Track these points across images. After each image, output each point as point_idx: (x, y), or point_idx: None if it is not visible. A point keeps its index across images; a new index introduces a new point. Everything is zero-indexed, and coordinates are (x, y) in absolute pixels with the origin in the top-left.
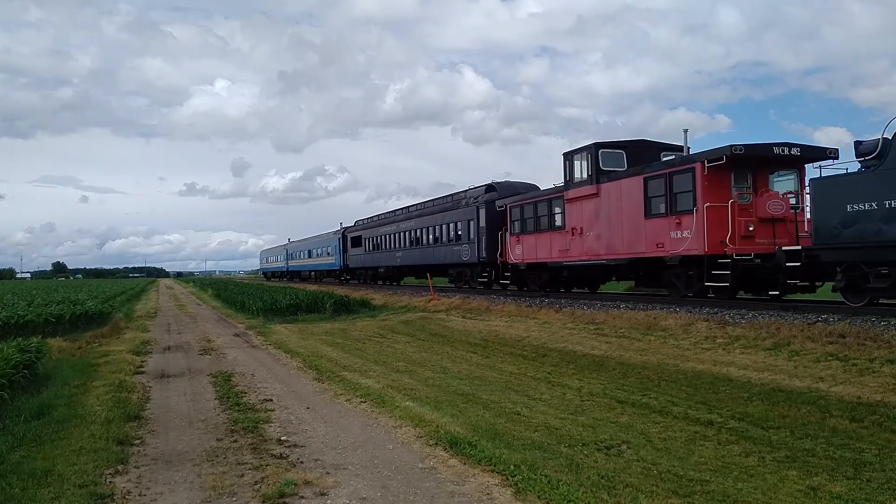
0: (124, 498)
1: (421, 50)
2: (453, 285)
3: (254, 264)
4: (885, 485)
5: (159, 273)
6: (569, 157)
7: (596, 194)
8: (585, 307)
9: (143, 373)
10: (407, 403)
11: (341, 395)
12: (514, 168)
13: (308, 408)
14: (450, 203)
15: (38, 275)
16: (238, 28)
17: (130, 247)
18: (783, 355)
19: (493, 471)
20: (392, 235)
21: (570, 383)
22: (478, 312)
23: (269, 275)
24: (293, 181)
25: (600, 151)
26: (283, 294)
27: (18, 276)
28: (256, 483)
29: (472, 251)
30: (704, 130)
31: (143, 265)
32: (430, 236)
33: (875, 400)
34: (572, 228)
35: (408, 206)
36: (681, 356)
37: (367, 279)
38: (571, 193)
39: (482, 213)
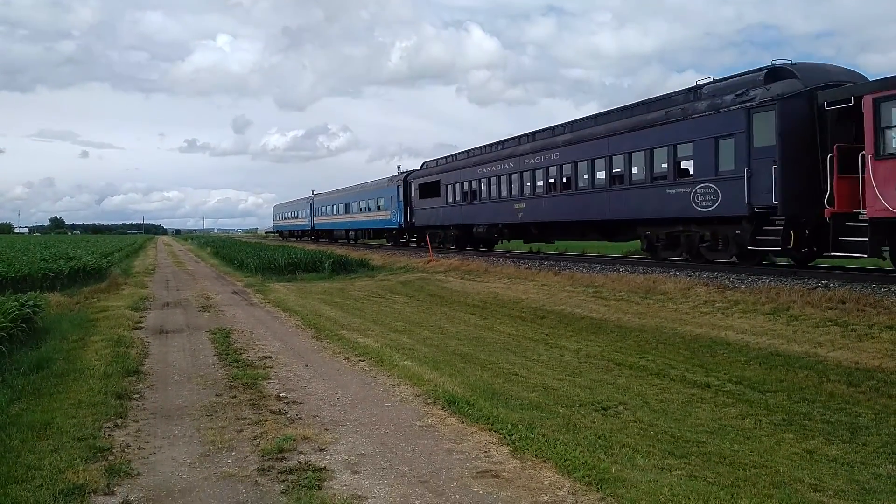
0: (123, 451)
1: (426, 6)
2: (649, 255)
3: (252, 223)
4: (880, 449)
5: (157, 230)
6: None
7: None
8: (584, 270)
9: (141, 328)
10: (405, 362)
11: (340, 353)
12: (517, 130)
13: (307, 365)
14: (656, 113)
15: (37, 230)
16: None
17: (129, 203)
18: (782, 320)
19: (490, 430)
20: (505, 178)
21: (569, 345)
22: (476, 274)
23: (285, 234)
24: (295, 139)
25: None
26: (281, 253)
27: (16, 230)
28: (255, 438)
29: (726, 194)
30: None
31: (142, 222)
32: (600, 174)
33: (873, 366)
34: None
35: (533, 133)
36: (679, 320)
37: (448, 242)
38: None
39: (763, 123)
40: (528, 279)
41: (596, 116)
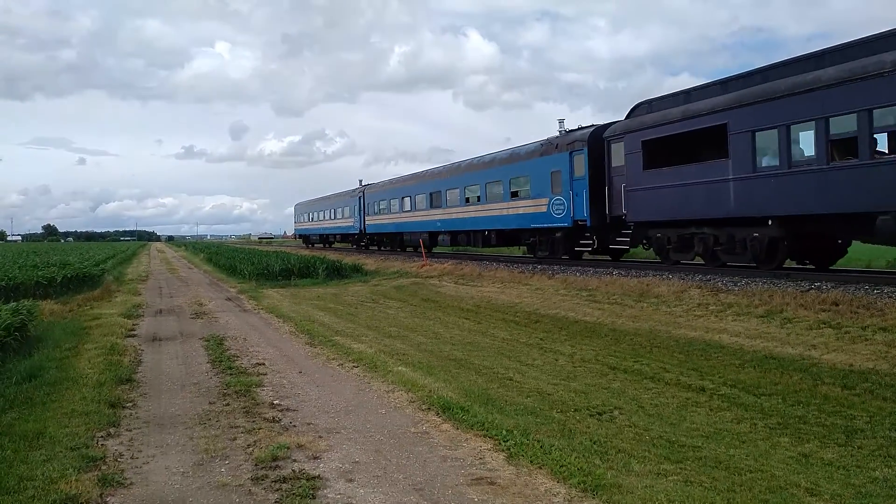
0: (116, 460)
1: (425, 11)
2: None
3: (246, 228)
4: (875, 451)
5: (150, 236)
6: None
7: None
8: (578, 274)
9: (134, 336)
10: (399, 368)
11: (334, 359)
12: (512, 134)
13: (300, 372)
14: None
15: (29, 237)
16: None
17: (124, 210)
18: (776, 322)
19: (485, 436)
20: None
21: (563, 349)
22: (470, 278)
23: (312, 240)
24: (291, 145)
25: None
26: (274, 259)
27: (9, 238)
28: (249, 446)
29: None
30: None
31: (135, 228)
32: None
33: (867, 367)
34: None
35: None
36: (673, 323)
37: (735, 252)
38: None
39: None
40: (521, 283)
41: None
